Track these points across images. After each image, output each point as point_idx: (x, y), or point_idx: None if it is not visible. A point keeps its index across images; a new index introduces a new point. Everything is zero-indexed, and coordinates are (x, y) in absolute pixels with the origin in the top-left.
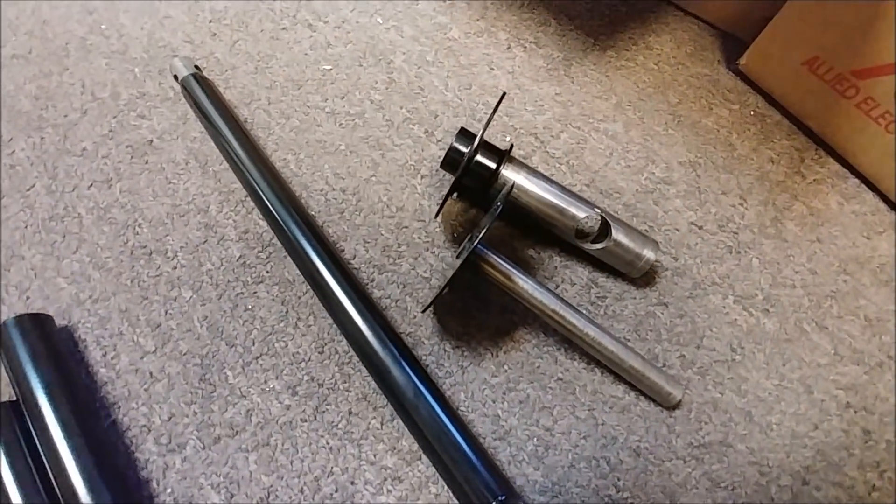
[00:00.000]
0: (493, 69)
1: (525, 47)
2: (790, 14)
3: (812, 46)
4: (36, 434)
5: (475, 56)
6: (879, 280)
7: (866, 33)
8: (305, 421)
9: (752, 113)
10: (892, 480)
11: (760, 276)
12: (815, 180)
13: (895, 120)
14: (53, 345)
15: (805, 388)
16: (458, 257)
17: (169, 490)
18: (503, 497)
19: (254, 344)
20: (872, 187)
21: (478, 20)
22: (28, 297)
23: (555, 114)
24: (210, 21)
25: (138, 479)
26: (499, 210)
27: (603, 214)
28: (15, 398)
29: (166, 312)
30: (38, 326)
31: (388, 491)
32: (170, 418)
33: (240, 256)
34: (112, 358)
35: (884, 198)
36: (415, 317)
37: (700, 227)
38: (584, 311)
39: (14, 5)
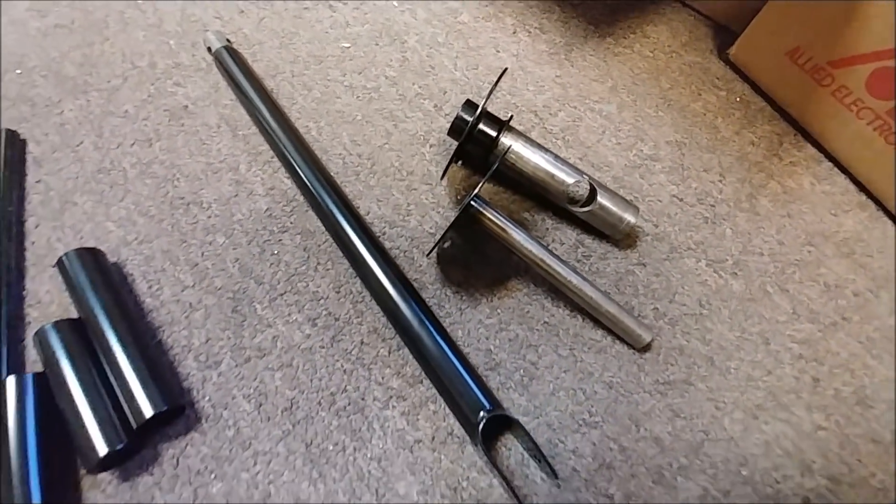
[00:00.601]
0: (498, 52)
1: (530, 32)
2: (775, 8)
3: (794, 38)
4: (97, 344)
5: (483, 39)
6: (841, 252)
7: (841, 26)
8: (323, 347)
9: (737, 99)
10: (840, 424)
11: (732, 244)
12: (791, 162)
13: (868, 107)
14: (107, 273)
15: (763, 340)
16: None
17: (207, 398)
18: (491, 408)
19: (279, 283)
20: (844, 170)
21: (486, 6)
22: (82, 238)
23: (554, 94)
24: None
25: (181, 388)
26: (496, 165)
27: (591, 181)
28: (78, 316)
29: (203, 254)
30: (93, 258)
31: (393, 406)
32: (207, 341)
33: (267, 209)
34: (156, 290)
35: (854, 180)
36: (420, 266)
37: (680, 200)
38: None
39: None
